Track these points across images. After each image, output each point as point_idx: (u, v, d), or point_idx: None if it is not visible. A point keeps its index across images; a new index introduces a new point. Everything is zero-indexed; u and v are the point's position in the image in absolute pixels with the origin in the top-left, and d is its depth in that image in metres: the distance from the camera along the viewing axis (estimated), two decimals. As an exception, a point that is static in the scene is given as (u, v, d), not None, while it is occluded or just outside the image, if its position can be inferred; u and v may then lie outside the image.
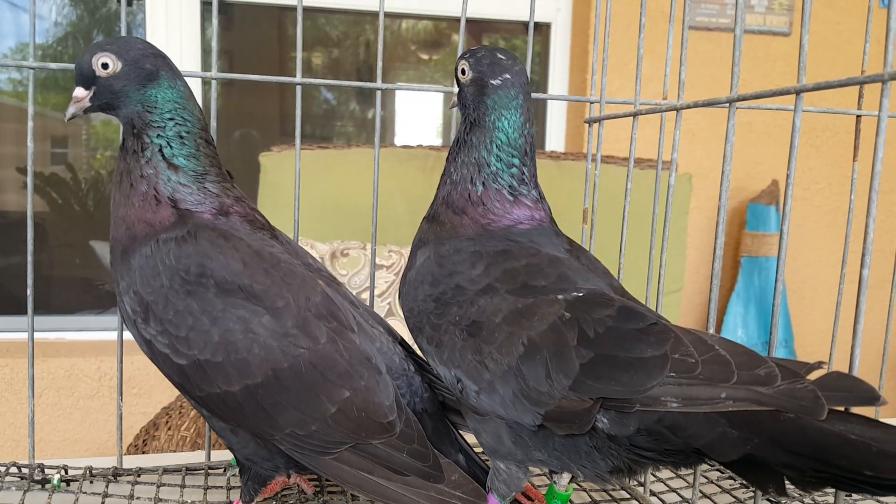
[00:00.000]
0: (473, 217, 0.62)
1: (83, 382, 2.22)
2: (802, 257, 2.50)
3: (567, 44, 2.47)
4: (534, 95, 0.75)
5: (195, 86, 2.28)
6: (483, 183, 0.62)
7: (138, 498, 0.68)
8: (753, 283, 2.30)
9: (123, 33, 0.73)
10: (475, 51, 0.64)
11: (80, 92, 0.60)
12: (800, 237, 2.48)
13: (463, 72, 0.63)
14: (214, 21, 0.74)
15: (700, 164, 2.36)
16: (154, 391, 2.20)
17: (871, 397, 0.47)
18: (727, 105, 0.60)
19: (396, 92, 3.00)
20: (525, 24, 2.64)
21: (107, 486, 0.70)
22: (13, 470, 0.72)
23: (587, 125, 0.84)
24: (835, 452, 0.46)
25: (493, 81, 0.62)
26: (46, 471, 0.72)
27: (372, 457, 0.58)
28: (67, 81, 2.62)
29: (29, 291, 0.72)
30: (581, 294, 0.56)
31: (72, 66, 0.67)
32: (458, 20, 2.87)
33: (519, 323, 0.55)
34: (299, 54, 0.75)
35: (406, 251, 1.65)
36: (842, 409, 0.48)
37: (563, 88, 2.46)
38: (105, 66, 0.59)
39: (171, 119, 0.60)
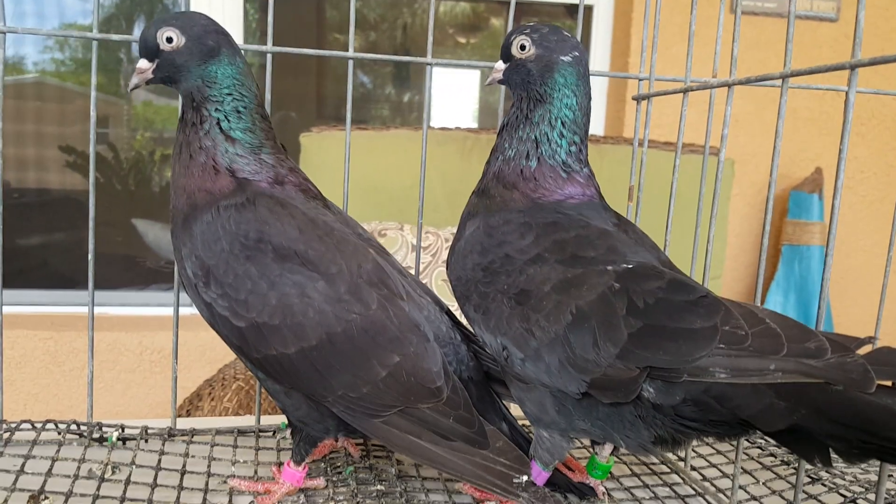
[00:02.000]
0: (524, 191, 0.63)
1: (124, 356, 2.28)
2: (845, 247, 2.46)
3: (609, 26, 2.45)
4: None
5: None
6: (538, 159, 0.63)
7: (193, 456, 0.71)
8: (794, 271, 2.27)
9: (183, 8, 0.75)
10: (537, 27, 0.64)
11: (143, 63, 0.62)
12: (843, 226, 2.44)
13: (523, 47, 0.63)
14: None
15: (742, 149, 2.33)
16: (194, 366, 2.25)
17: None
18: (780, 82, 0.60)
19: (433, 74, 3.01)
20: (566, 7, 2.62)
21: (163, 445, 0.73)
22: (73, 427, 0.75)
23: (635, 102, 0.83)
24: (882, 424, 0.46)
25: (563, 58, 0.62)
26: (104, 429, 0.75)
27: (420, 421, 0.60)
28: (111, 62, 2.66)
29: (90, 267, 0.74)
30: (631, 266, 0.57)
31: (134, 37, 0.69)
32: (496, 3, 2.86)
33: (568, 292, 0.56)
34: (352, 28, 0.77)
35: (443, 233, 1.66)
36: (889, 383, 0.48)
37: (605, 71, 2.45)
38: (169, 39, 0.60)
39: (229, 94, 0.62)
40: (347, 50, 0.78)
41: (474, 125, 2.86)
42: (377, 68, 3.08)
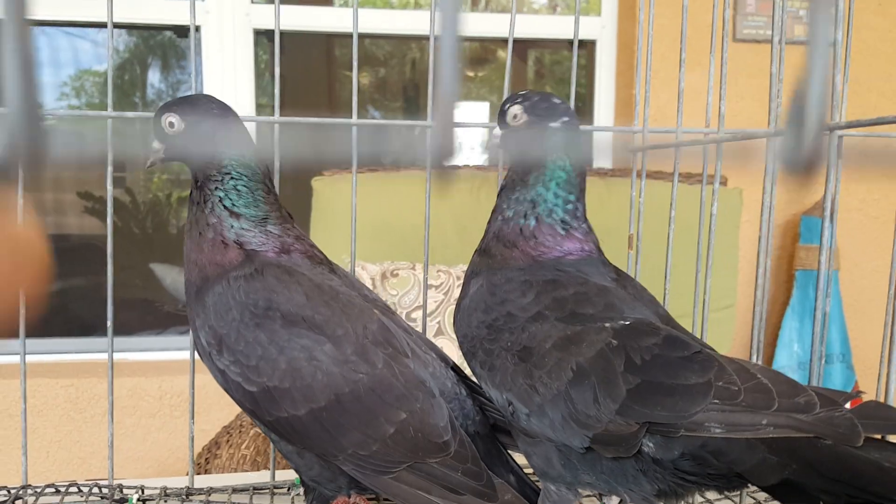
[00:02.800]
0: (524, 249, 0.65)
1: (144, 401, 2.30)
2: (858, 269, 2.46)
3: (613, 59, 2.48)
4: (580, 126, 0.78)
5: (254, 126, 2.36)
6: (536, 217, 0.65)
7: (210, 517, 0.73)
8: (809, 296, 2.27)
9: (195, 55, 0.78)
10: (526, 95, 0.66)
11: (155, 144, 0.65)
12: (856, 249, 2.44)
13: (515, 116, 0.65)
14: (276, 70, 0.79)
15: (752, 175, 2.34)
16: (212, 409, 2.27)
17: None
18: (765, 138, 0.62)
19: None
20: (569, 42, 2.66)
21: (181, 505, 0.75)
22: (95, 490, 0.77)
23: (632, 154, 0.86)
24: (869, 479, 0.48)
25: (552, 124, 0.65)
26: (125, 490, 0.77)
27: (429, 476, 0.61)
28: (126, 107, 2.72)
29: (109, 322, 0.77)
30: (628, 322, 0.58)
31: (149, 114, 0.73)
32: (503, 40, 2.91)
33: (568, 349, 0.57)
34: (355, 98, 0.80)
35: (454, 270, 1.68)
36: (878, 437, 0.49)
37: (610, 104, 2.48)
38: (171, 125, 0.64)
39: (227, 174, 0.64)
40: (363, 88, 0.81)
41: (483, 160, 2.89)
42: (387, 102, 3.13)
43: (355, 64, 0.79)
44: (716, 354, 0.56)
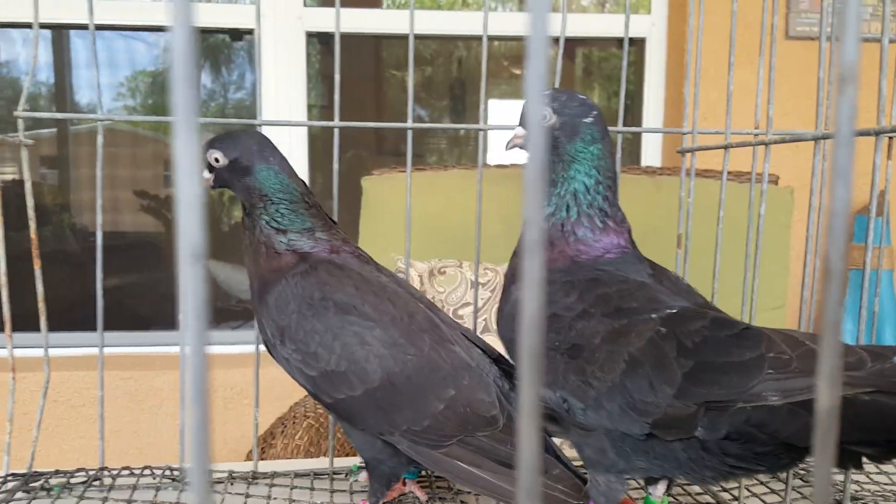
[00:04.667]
0: (563, 250, 0.67)
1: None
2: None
3: (663, 57, 2.48)
4: (627, 129, 0.80)
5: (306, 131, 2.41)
6: (578, 210, 0.67)
7: (275, 499, 0.77)
8: (860, 296, 2.23)
9: (255, 70, 0.82)
10: (555, 95, 0.67)
11: (206, 174, 0.72)
12: (911, 248, 2.39)
13: (545, 117, 0.67)
14: (337, 77, 0.82)
15: (802, 174, 2.30)
16: (264, 401, 2.33)
17: None
18: (812, 141, 0.63)
19: (489, 109, 3.08)
20: (618, 39, 2.66)
21: (247, 488, 0.80)
22: (167, 472, 0.82)
23: (681, 154, 0.87)
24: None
25: (585, 120, 0.67)
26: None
27: (478, 450, 0.65)
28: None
29: (180, 316, 0.81)
30: (674, 311, 0.61)
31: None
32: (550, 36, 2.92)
33: (617, 342, 0.60)
34: (410, 101, 0.83)
35: (501, 269, 1.71)
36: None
37: (659, 102, 2.47)
38: (216, 160, 0.71)
39: (268, 199, 0.71)
40: (405, 82, 0.84)
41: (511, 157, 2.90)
42: (433, 102, 3.16)
43: (411, 67, 0.82)
44: (763, 328, 0.58)
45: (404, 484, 0.79)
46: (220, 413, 2.37)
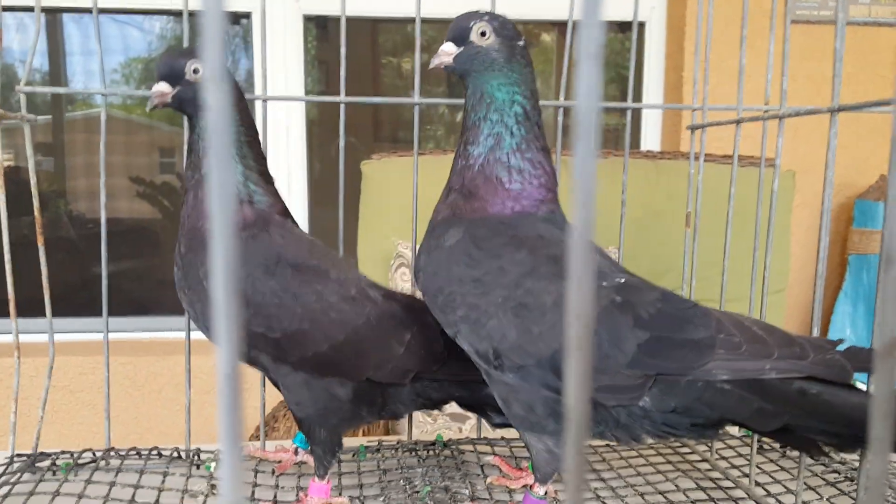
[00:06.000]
0: (503, 197, 0.63)
1: (199, 378, 2.36)
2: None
3: (662, 41, 2.46)
4: (633, 105, 0.79)
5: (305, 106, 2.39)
6: (517, 144, 0.63)
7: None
8: (862, 281, 2.24)
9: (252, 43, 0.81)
10: (493, 14, 0.64)
11: (165, 87, 0.66)
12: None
13: (483, 34, 0.63)
14: (343, 51, 0.81)
15: (804, 159, 2.30)
16: (255, 386, 2.33)
17: None
18: (828, 113, 0.62)
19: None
20: (617, 24, 2.65)
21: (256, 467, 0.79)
22: (175, 454, 0.81)
23: (690, 131, 0.86)
24: (855, 419, 0.55)
25: (519, 43, 0.64)
26: (202, 455, 0.81)
27: (433, 381, 0.72)
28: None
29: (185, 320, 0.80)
30: (623, 280, 0.61)
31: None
32: (548, 22, 2.90)
33: None
34: (417, 77, 0.82)
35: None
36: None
37: (659, 86, 2.46)
38: (196, 71, 0.66)
39: (241, 126, 0.68)
40: (401, 68, 0.83)
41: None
42: (430, 88, 3.14)
43: (418, 43, 0.81)
44: (711, 309, 0.60)
45: (296, 453, 0.79)
46: (214, 396, 2.36)
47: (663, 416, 0.59)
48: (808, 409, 0.57)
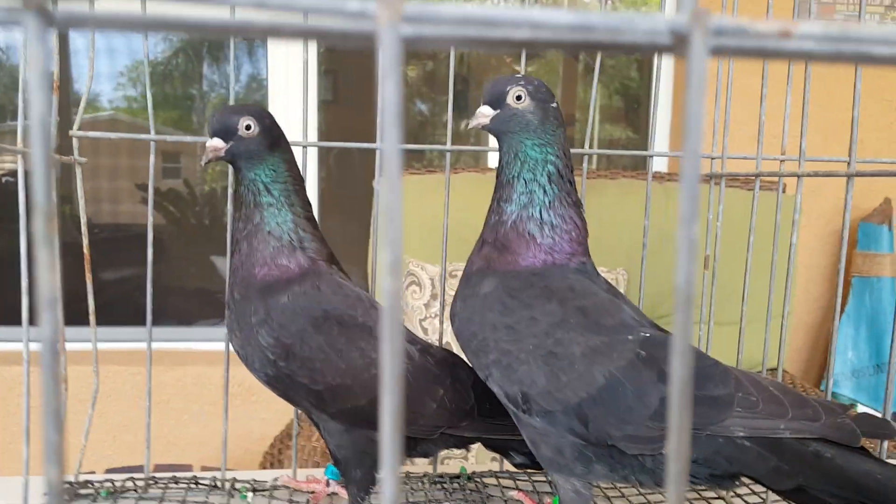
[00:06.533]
0: (534, 250, 0.67)
1: (208, 390, 2.39)
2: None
3: (672, 63, 2.49)
4: (659, 153, 0.82)
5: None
6: (549, 201, 0.67)
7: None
8: (864, 304, 2.27)
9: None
10: (529, 78, 0.67)
11: (218, 143, 0.70)
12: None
13: (519, 98, 0.66)
14: (379, 103, 0.84)
15: (808, 181, 2.34)
16: (273, 399, 2.35)
17: (892, 433, 0.61)
18: (845, 178, 0.66)
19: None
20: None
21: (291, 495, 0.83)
22: (215, 482, 0.85)
23: (708, 180, 0.90)
24: (869, 489, 0.59)
25: (552, 105, 0.68)
26: (237, 484, 0.85)
27: (459, 438, 0.76)
28: (178, 99, 2.77)
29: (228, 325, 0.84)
30: (647, 335, 0.64)
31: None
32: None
33: (597, 357, 0.63)
34: (450, 125, 0.85)
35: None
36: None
37: (668, 109, 2.49)
38: (248, 127, 0.70)
39: (290, 176, 0.72)
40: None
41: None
42: (434, 96, 3.17)
43: (451, 95, 0.85)
44: (730, 367, 0.64)
45: (328, 485, 0.83)
46: (229, 409, 2.38)
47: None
48: (821, 472, 0.60)
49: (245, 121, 0.70)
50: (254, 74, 2.73)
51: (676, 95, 2.46)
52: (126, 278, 2.73)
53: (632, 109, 3.02)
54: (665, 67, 2.46)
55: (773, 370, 1.68)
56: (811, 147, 0.82)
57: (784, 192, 1.94)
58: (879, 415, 0.64)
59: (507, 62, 3.09)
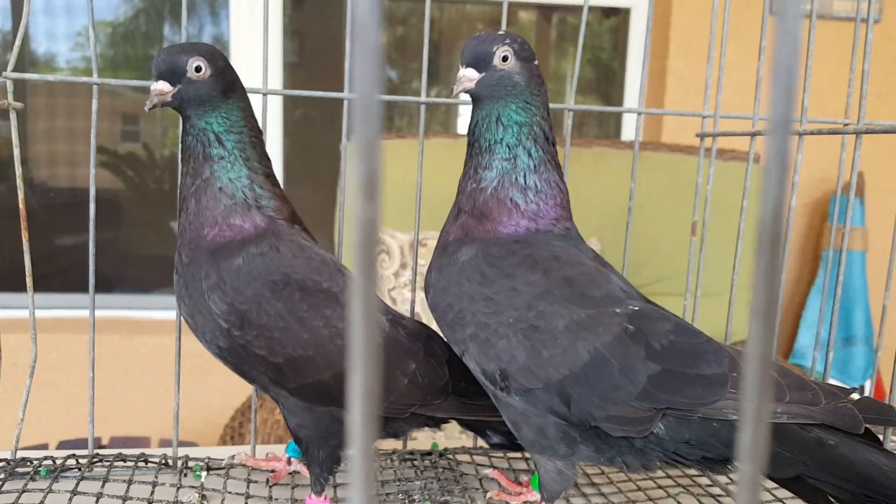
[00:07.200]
0: (517, 218, 0.62)
1: (165, 359, 2.31)
2: (888, 252, 2.45)
3: (644, 31, 2.45)
4: (649, 111, 0.77)
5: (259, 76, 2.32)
6: (533, 165, 0.62)
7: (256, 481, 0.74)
8: (835, 277, 2.26)
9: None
10: (514, 36, 0.62)
11: (165, 86, 0.62)
12: (887, 230, 2.42)
13: (505, 58, 0.61)
14: (348, 45, 0.77)
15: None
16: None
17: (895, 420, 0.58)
18: (854, 134, 0.61)
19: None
20: (602, 10, 2.62)
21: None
22: (164, 461, 0.78)
23: (699, 139, 0.85)
24: (871, 479, 0.55)
25: (535, 63, 0.63)
26: (190, 462, 0.78)
27: (430, 419, 0.70)
28: (138, 60, 2.66)
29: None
30: (637, 308, 0.60)
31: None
32: (525, 4, 2.86)
33: (583, 331, 0.58)
34: (424, 76, 0.78)
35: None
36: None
37: (637, 77, 2.44)
38: (198, 69, 0.62)
39: (245, 126, 0.65)
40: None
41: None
42: (405, 63, 3.08)
43: (426, 45, 0.78)
44: (724, 345, 0.59)
45: (289, 463, 0.77)
46: (186, 380, 2.31)
47: (676, 445, 0.58)
48: (824, 460, 0.56)
49: (195, 61, 0.62)
50: (217, 35, 2.63)
51: (651, 60, 2.41)
52: (85, 244, 2.62)
53: (603, 80, 2.97)
54: (636, 30, 2.41)
55: (743, 342, 1.65)
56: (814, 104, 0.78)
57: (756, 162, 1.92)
58: (847, 388, 0.60)
59: (479, 28, 3.01)
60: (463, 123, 2.90)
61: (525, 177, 0.62)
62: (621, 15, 2.48)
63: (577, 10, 2.71)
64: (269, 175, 0.67)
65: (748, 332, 0.16)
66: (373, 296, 0.16)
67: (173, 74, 0.62)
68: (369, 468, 0.18)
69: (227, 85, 0.64)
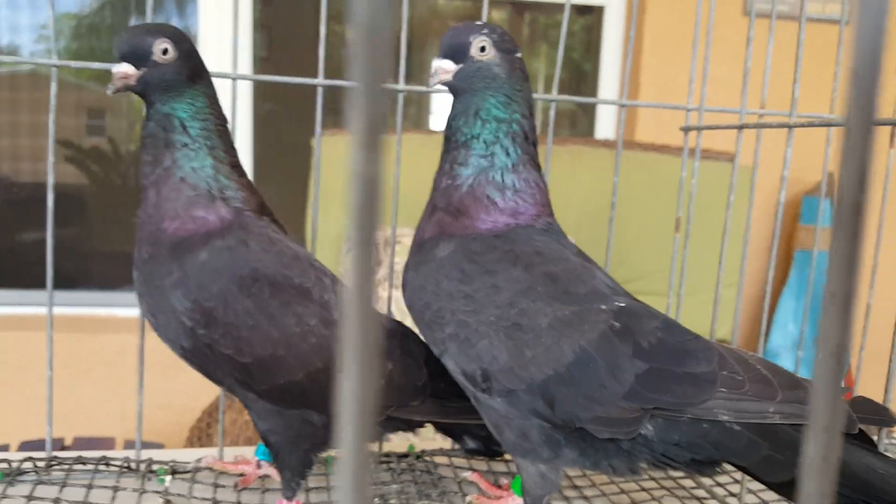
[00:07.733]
0: (496, 214, 0.60)
1: (131, 358, 2.25)
2: (867, 254, 2.47)
3: (621, 29, 2.44)
4: (632, 103, 0.75)
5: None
6: (516, 157, 0.60)
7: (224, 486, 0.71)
8: (806, 277, 2.28)
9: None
10: (492, 27, 0.61)
11: (129, 69, 0.59)
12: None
13: (483, 49, 0.59)
14: (322, 29, 0.74)
15: (751, 156, 2.33)
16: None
17: (891, 421, 0.56)
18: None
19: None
20: (575, 7, 2.60)
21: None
22: (126, 464, 0.74)
23: (683, 133, 0.83)
24: (869, 484, 0.53)
25: (517, 55, 0.61)
26: (154, 465, 0.74)
27: (406, 422, 0.68)
28: (104, 52, 2.61)
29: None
30: (623, 305, 0.58)
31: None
32: (503, 0, 2.85)
33: (567, 329, 0.56)
34: (403, 64, 0.76)
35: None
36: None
37: (616, 73, 2.44)
38: (165, 51, 0.59)
39: (211, 114, 0.62)
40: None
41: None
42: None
43: (404, 33, 0.75)
44: (712, 342, 0.57)
45: (259, 466, 0.74)
46: (152, 380, 2.26)
47: (665, 446, 0.56)
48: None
49: (161, 43, 0.59)
50: (184, 28, 2.58)
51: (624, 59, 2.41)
52: (45, 240, 2.56)
53: (575, 79, 2.97)
54: (610, 27, 2.41)
55: (725, 341, 1.65)
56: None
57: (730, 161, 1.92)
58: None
59: (450, 25, 2.99)
60: (436, 120, 2.88)
61: (503, 175, 0.60)
62: (594, 13, 2.47)
63: (548, 8, 2.70)
64: (236, 165, 0.63)
65: (819, 320, 0.14)
66: (372, 273, 0.13)
67: (138, 56, 0.59)
68: (363, 477, 0.15)
69: (194, 69, 0.61)
